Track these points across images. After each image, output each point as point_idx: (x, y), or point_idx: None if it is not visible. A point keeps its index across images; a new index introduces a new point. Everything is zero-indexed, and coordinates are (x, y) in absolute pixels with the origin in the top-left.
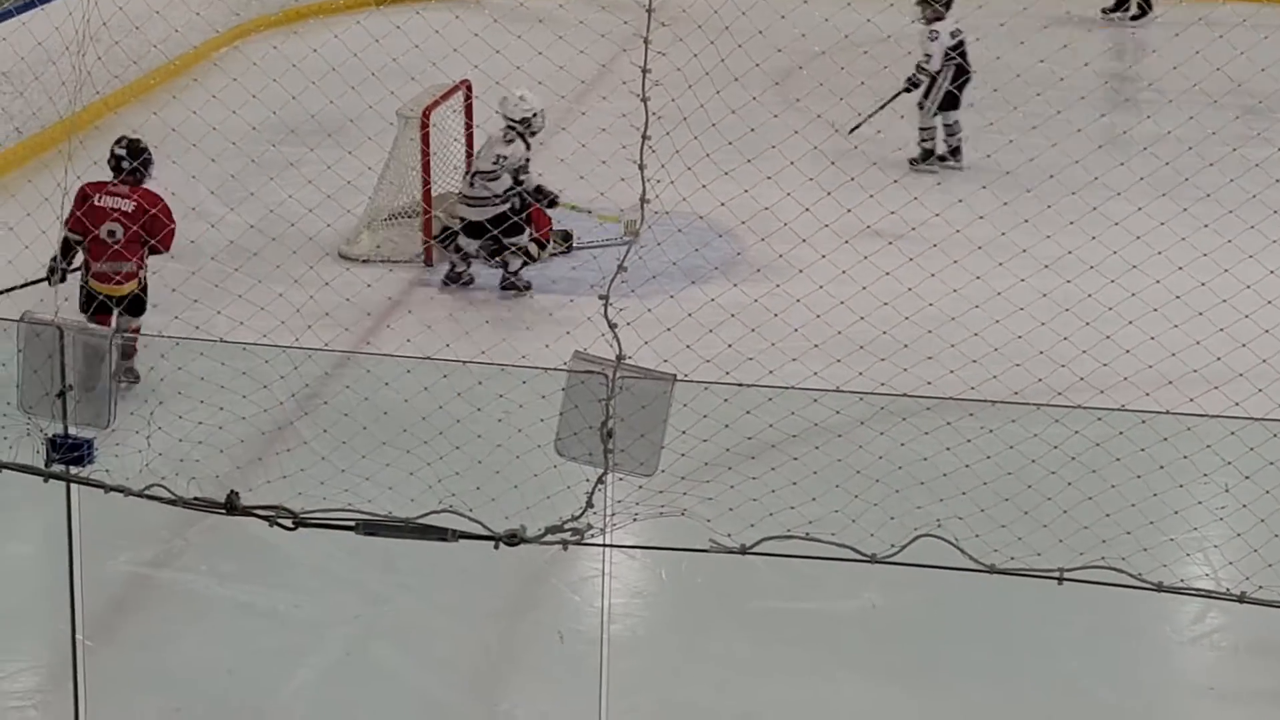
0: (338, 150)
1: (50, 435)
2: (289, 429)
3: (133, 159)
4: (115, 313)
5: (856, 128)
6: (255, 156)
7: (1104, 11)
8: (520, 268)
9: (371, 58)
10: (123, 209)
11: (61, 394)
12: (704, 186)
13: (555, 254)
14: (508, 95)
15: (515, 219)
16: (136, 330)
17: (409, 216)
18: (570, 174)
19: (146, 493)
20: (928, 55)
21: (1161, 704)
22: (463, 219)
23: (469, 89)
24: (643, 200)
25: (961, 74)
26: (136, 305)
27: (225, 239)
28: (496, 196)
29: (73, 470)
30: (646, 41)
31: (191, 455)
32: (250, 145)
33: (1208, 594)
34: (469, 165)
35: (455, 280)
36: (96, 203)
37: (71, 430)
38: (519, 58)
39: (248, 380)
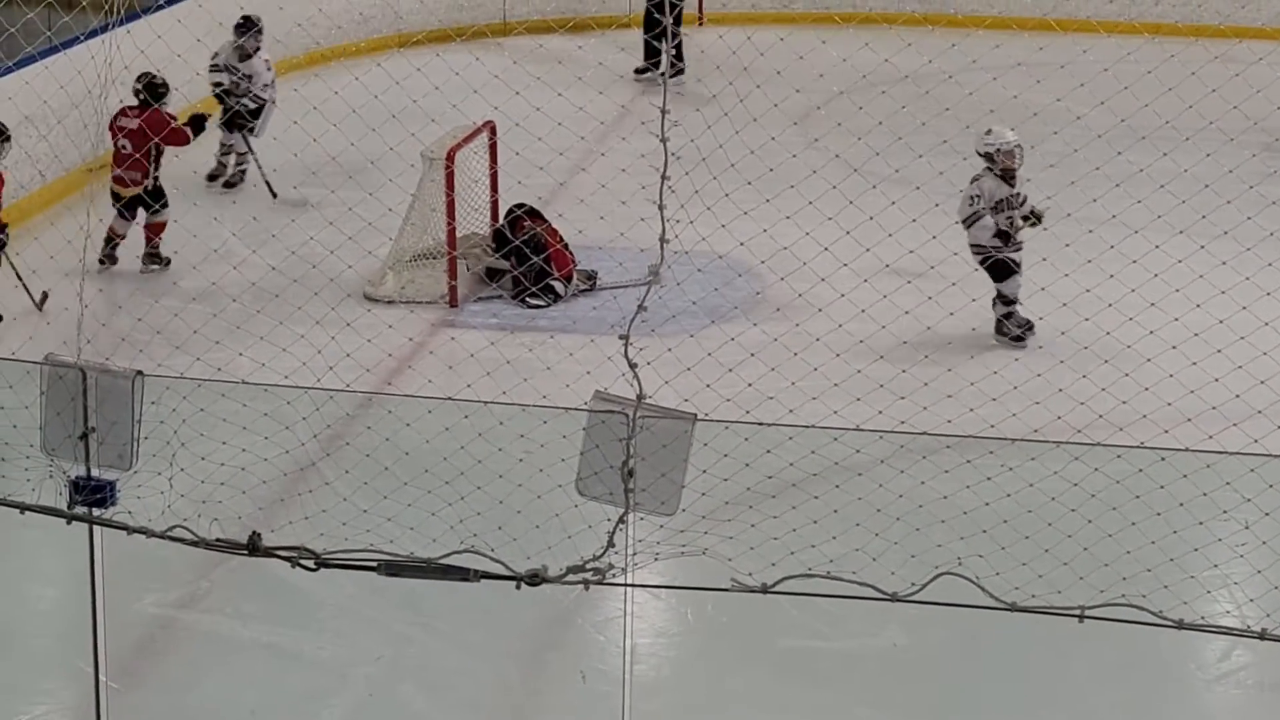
0: (359, 192)
1: (73, 477)
2: (311, 470)
3: (145, 90)
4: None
5: None
6: (274, 198)
7: (637, 72)
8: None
9: (392, 100)
10: (129, 127)
11: (84, 436)
12: (723, 226)
13: (580, 292)
14: None
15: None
16: (161, 225)
17: (433, 258)
18: (590, 214)
19: (169, 534)
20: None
21: None
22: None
23: (493, 130)
24: (662, 240)
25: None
26: (155, 196)
27: (247, 280)
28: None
29: (95, 512)
30: (664, 82)
31: (214, 496)
32: (273, 186)
33: (1228, 631)
34: (494, 206)
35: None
36: (114, 124)
37: (94, 472)
38: (539, 99)
39: (270, 422)
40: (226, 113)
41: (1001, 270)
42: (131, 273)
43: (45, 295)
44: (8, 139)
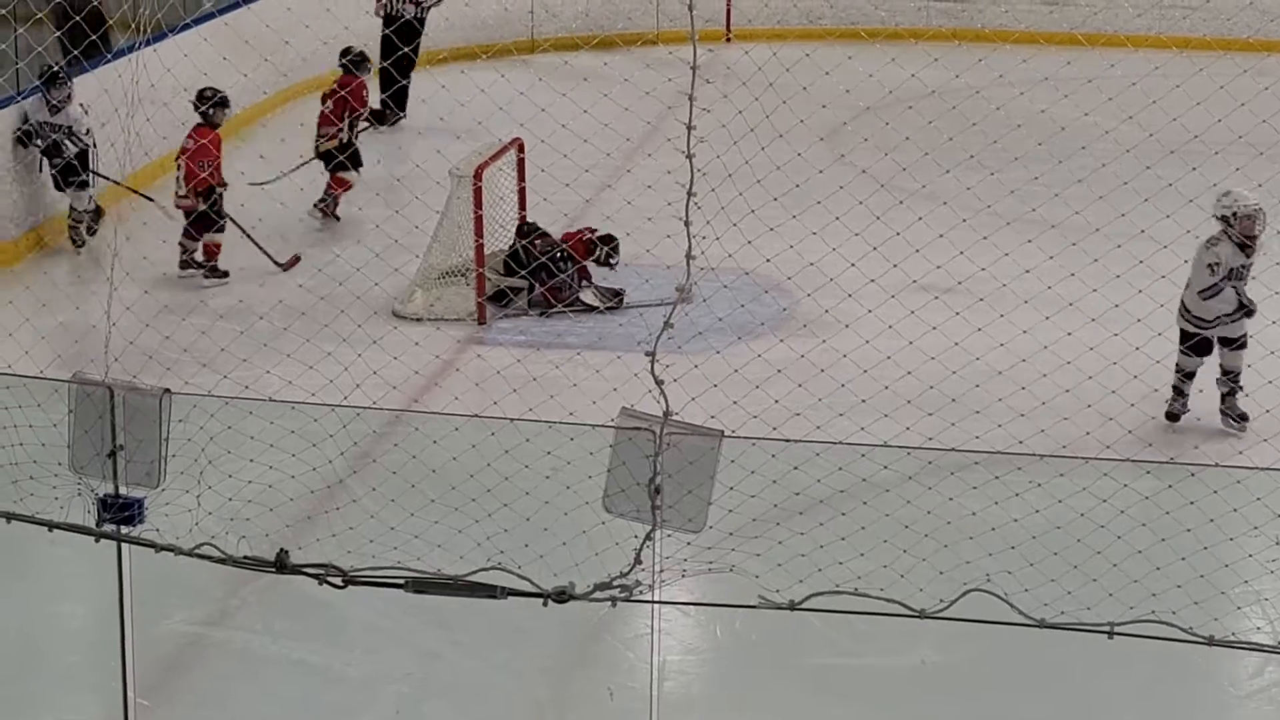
0: (385, 209)
1: (101, 495)
2: (339, 487)
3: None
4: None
5: None
6: (304, 215)
7: (374, 115)
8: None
9: (418, 117)
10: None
11: (112, 454)
12: (750, 242)
13: (607, 308)
14: None
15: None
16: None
17: (461, 275)
18: (617, 230)
19: (197, 552)
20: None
21: None
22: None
23: (520, 147)
24: (689, 257)
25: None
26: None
27: (275, 298)
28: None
29: (123, 530)
30: (691, 98)
31: (242, 514)
32: (300, 204)
33: (1259, 647)
34: (521, 222)
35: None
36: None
37: (122, 490)
38: (565, 115)
39: (297, 439)
40: (56, 168)
41: (1203, 347)
42: (159, 290)
43: (295, 259)
44: (227, 105)
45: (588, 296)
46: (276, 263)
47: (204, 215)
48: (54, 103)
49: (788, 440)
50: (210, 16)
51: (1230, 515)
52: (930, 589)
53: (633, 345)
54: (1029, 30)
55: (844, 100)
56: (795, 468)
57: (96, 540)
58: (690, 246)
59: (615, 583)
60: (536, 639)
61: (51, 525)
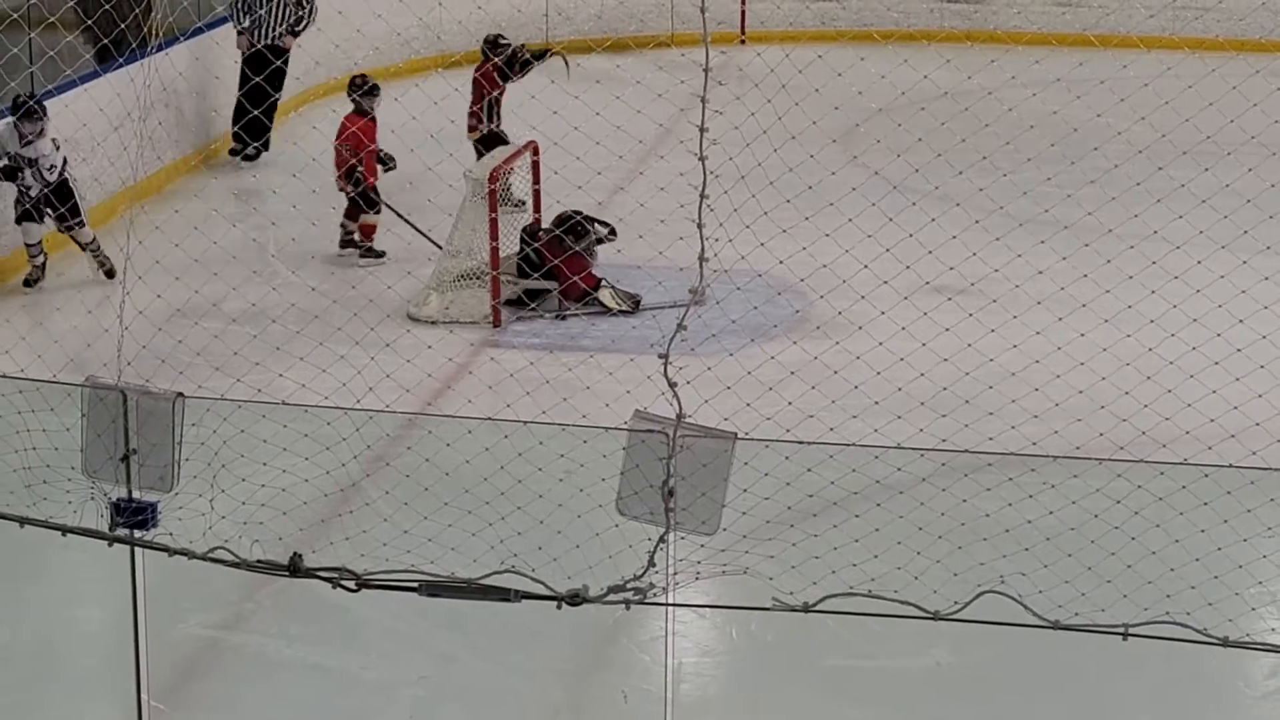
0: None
1: (114, 499)
2: (352, 491)
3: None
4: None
5: None
6: (316, 220)
7: (232, 153)
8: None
9: (430, 120)
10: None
11: (125, 458)
12: (763, 244)
13: (621, 312)
14: None
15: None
16: (367, 226)
17: (476, 278)
18: (629, 233)
19: (210, 556)
20: None
21: None
22: None
23: (535, 150)
24: (701, 259)
25: None
26: (353, 206)
27: (287, 301)
28: None
29: (137, 534)
30: (704, 100)
31: (255, 518)
32: (312, 208)
33: (1274, 648)
34: (535, 225)
35: None
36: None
37: (135, 494)
38: (577, 118)
39: (311, 443)
40: (20, 204)
41: None
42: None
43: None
44: (377, 92)
45: (605, 297)
46: (436, 244)
47: (360, 197)
48: (26, 136)
49: (801, 442)
50: (222, 21)
51: (1245, 516)
52: (944, 591)
53: (646, 348)
54: (1041, 31)
55: (857, 102)
56: (809, 470)
57: (110, 544)
58: (703, 249)
59: (629, 585)
60: (551, 642)
61: (65, 530)
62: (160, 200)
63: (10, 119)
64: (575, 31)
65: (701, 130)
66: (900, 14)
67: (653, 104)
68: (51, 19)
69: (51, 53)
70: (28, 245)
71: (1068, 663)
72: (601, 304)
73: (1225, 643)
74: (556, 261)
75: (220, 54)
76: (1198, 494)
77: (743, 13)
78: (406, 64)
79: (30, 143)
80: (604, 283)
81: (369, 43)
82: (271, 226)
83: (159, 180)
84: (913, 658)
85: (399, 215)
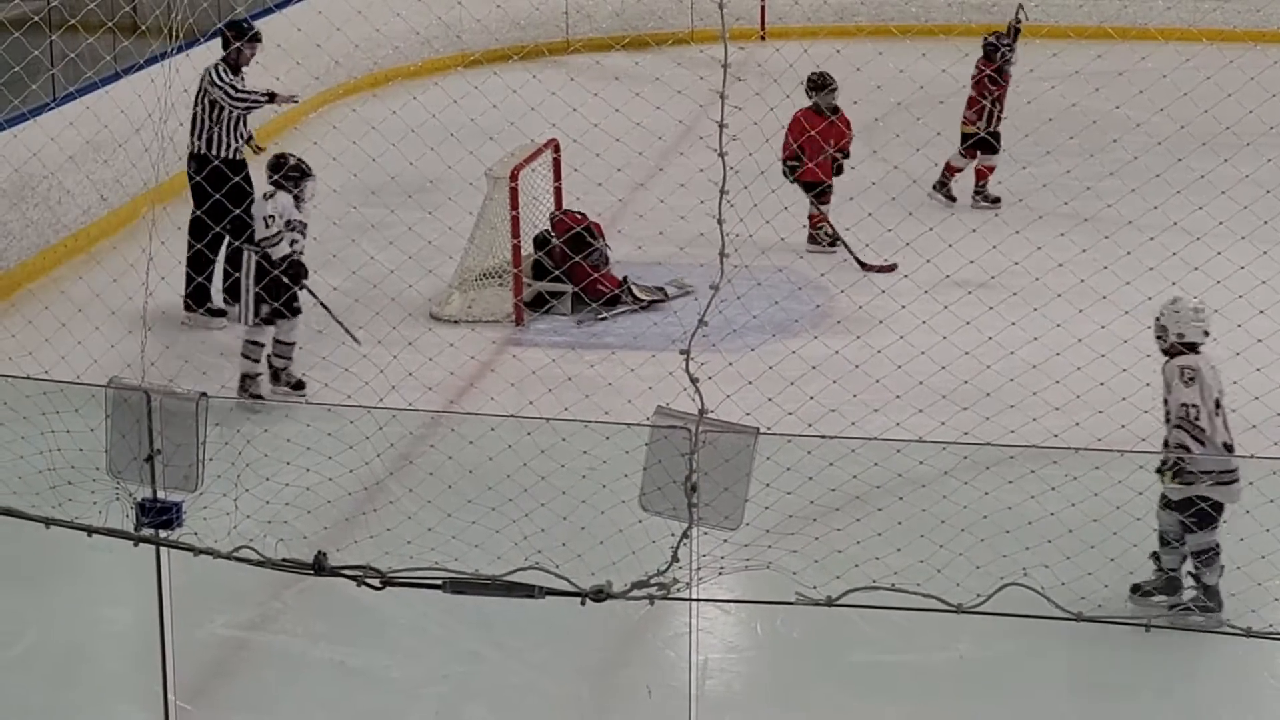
0: (419, 211)
1: (139, 500)
2: (376, 489)
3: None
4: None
5: None
6: (338, 219)
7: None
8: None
9: (451, 119)
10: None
11: (150, 458)
12: (783, 240)
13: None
14: None
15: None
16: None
17: (499, 276)
18: (650, 229)
19: (235, 555)
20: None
21: None
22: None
23: (556, 148)
24: (722, 255)
25: None
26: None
27: (310, 301)
28: None
29: (162, 534)
30: (723, 97)
31: (279, 517)
32: (332, 207)
33: None
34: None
35: None
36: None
37: (160, 494)
38: (597, 115)
39: (334, 441)
40: (291, 280)
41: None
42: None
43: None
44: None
45: (636, 291)
46: (867, 266)
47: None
48: (304, 198)
49: (824, 437)
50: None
51: (1266, 506)
52: (967, 584)
53: (668, 344)
54: (1059, 24)
55: (876, 96)
56: (831, 464)
57: (135, 545)
58: (724, 244)
59: (653, 581)
60: (575, 638)
61: (91, 530)
62: (182, 202)
63: (291, 184)
64: (596, 29)
65: (721, 126)
66: (919, 8)
67: (672, 101)
68: (73, 21)
69: (72, 54)
70: (282, 343)
71: (1091, 654)
72: (634, 296)
73: (1249, 633)
74: (578, 259)
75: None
76: None
77: (762, 8)
78: (426, 63)
79: (302, 202)
80: (628, 279)
81: (389, 42)
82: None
83: (181, 181)
84: (936, 651)
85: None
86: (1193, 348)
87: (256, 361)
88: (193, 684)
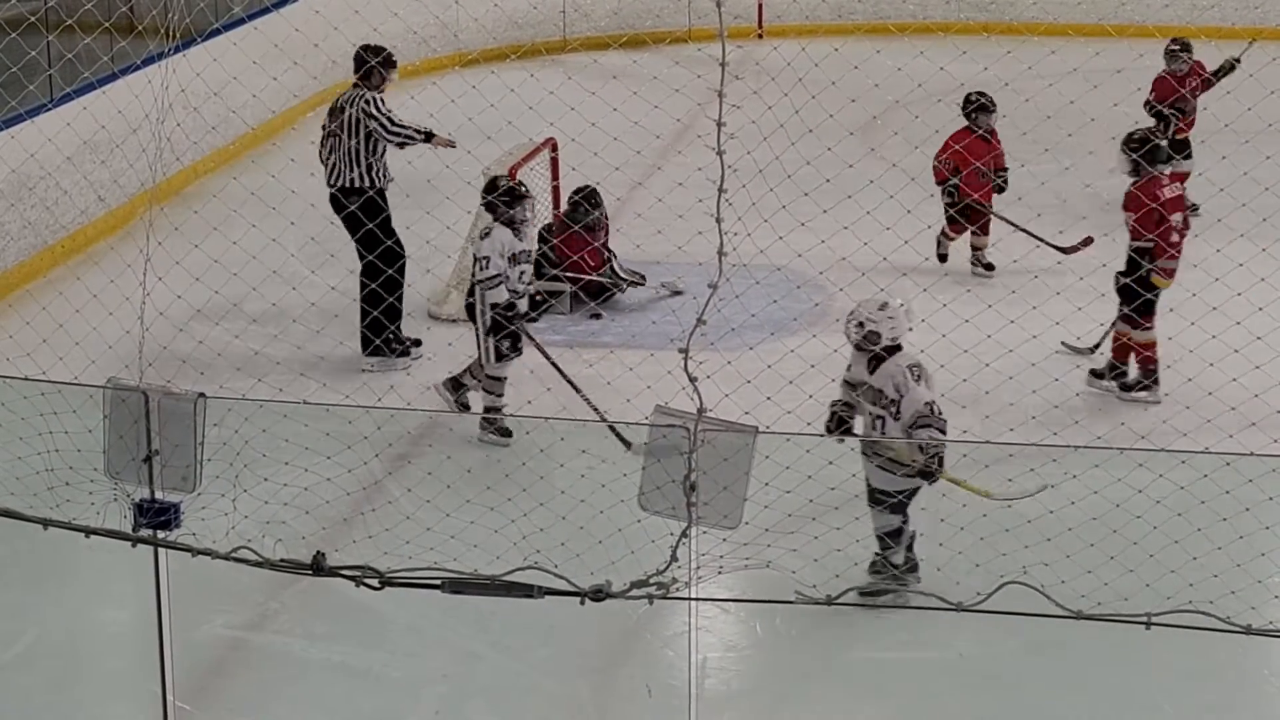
0: (417, 210)
1: (137, 500)
2: (374, 489)
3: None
4: None
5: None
6: (334, 220)
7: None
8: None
9: (448, 118)
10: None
11: (148, 459)
12: (781, 238)
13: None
14: None
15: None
16: None
17: None
18: (648, 228)
19: (233, 555)
20: None
21: None
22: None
23: (554, 147)
24: (720, 253)
25: None
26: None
27: (307, 301)
28: None
29: (160, 535)
30: (721, 95)
31: (278, 517)
32: (330, 208)
33: None
34: (555, 222)
35: None
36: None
37: (158, 495)
38: (595, 114)
39: (332, 442)
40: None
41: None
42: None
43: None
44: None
45: (615, 268)
46: (1058, 248)
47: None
48: (523, 224)
49: (822, 435)
50: (240, 22)
51: (1266, 503)
52: (967, 582)
53: (666, 343)
54: (1057, 22)
55: (874, 94)
56: (830, 463)
57: (133, 546)
58: (722, 243)
59: (652, 580)
60: (575, 638)
61: (89, 531)
62: (179, 202)
63: (504, 208)
64: (593, 28)
65: (719, 125)
66: (916, 6)
67: (670, 99)
68: (70, 21)
69: (69, 55)
70: (495, 379)
71: (1091, 653)
72: (615, 274)
73: (1249, 631)
74: (575, 257)
75: (237, 55)
76: (1219, 482)
77: (760, 7)
78: (423, 63)
79: (523, 230)
80: (612, 254)
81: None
82: (290, 226)
83: (178, 182)
84: (936, 650)
85: (1014, 226)
86: (900, 348)
87: (500, 396)
88: (191, 684)
